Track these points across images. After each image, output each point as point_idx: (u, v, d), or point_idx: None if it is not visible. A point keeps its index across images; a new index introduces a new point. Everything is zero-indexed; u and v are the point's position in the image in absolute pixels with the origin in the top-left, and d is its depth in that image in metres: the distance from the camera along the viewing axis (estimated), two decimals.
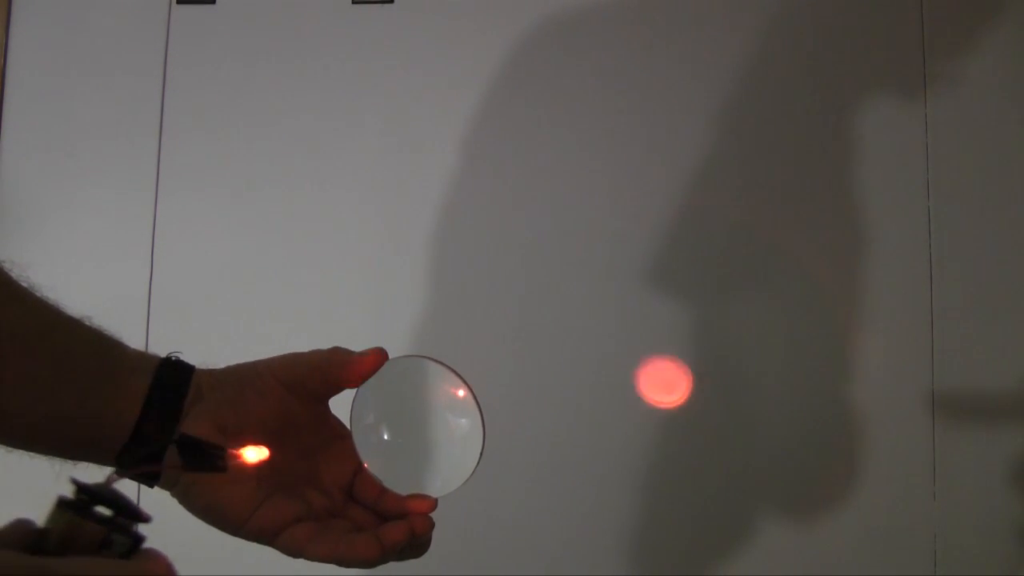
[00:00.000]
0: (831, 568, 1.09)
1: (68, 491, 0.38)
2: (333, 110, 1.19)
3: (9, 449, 0.54)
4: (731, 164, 1.15)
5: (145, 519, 0.39)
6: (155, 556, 0.39)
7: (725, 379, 1.12)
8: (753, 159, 1.15)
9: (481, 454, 0.56)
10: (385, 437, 0.58)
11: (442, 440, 0.58)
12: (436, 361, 0.57)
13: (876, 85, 1.15)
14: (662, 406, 1.12)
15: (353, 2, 1.21)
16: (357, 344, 0.59)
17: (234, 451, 0.51)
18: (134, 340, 0.58)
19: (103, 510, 0.37)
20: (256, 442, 0.52)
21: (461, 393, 0.57)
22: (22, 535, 0.37)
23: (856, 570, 1.09)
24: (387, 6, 1.20)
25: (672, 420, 1.12)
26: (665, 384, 1.12)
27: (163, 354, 0.58)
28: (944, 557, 1.08)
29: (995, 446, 1.09)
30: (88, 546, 0.36)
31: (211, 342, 1.15)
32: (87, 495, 0.37)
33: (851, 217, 1.14)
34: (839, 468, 1.11)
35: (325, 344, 0.59)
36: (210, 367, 0.58)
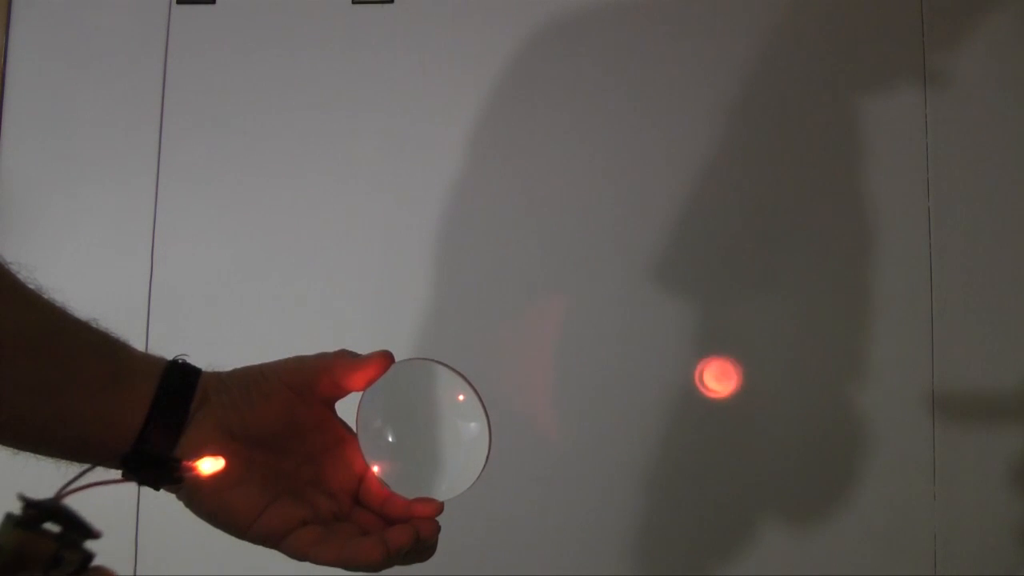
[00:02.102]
0: (831, 568, 1.09)
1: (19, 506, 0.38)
2: (333, 110, 1.19)
3: (15, 451, 0.54)
4: (732, 165, 1.15)
5: (95, 535, 0.39)
6: (105, 573, 0.39)
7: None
8: (753, 161, 1.15)
9: (488, 458, 0.56)
10: (391, 440, 0.58)
11: (448, 444, 0.57)
12: (442, 364, 0.57)
13: (876, 86, 1.15)
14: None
15: (353, 2, 1.21)
16: (362, 347, 0.59)
17: (189, 463, 0.52)
18: (134, 341, 0.58)
19: (53, 526, 0.37)
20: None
21: (468, 397, 0.57)
22: None
23: (856, 570, 1.09)
24: (387, 6, 1.20)
25: (675, 420, 1.12)
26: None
27: (166, 355, 0.58)
28: (944, 557, 1.08)
29: (995, 446, 1.09)
30: (39, 563, 0.36)
31: (212, 343, 1.15)
32: (37, 511, 0.36)
33: (851, 217, 1.14)
34: (839, 468, 1.11)
35: (329, 346, 0.59)
36: (216, 369, 0.58)
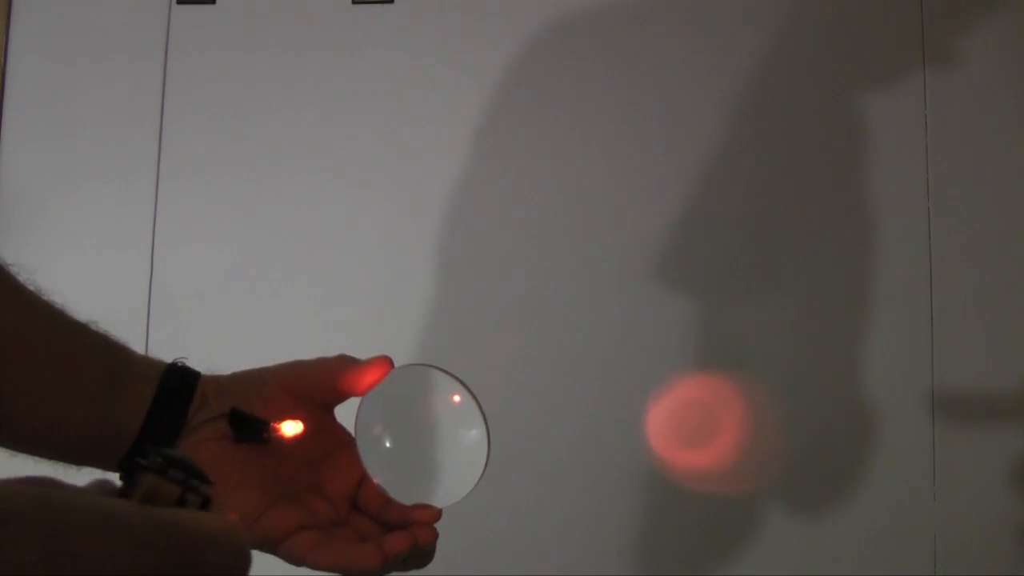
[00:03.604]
0: (831, 568, 1.09)
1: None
2: (333, 110, 1.19)
3: (13, 453, 0.54)
4: (731, 165, 1.15)
5: (211, 482, 0.41)
6: (228, 511, 0.41)
7: (726, 379, 1.12)
8: (753, 161, 1.15)
9: (486, 464, 0.56)
10: (390, 446, 0.58)
11: (447, 450, 0.57)
12: (442, 370, 0.57)
13: (876, 86, 1.15)
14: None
15: (353, 2, 1.21)
16: (362, 351, 0.59)
17: (275, 424, 0.55)
18: (134, 342, 0.58)
19: (176, 473, 0.40)
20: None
21: (466, 403, 0.56)
22: (106, 493, 0.39)
23: (856, 570, 1.09)
24: (387, 6, 1.20)
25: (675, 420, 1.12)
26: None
27: (166, 357, 0.58)
28: (944, 557, 1.08)
29: (995, 446, 1.09)
30: (168, 503, 0.39)
31: (211, 344, 1.15)
32: (164, 459, 0.39)
33: (851, 218, 1.14)
34: (839, 468, 1.11)
35: (328, 350, 0.59)
36: (216, 373, 0.58)
